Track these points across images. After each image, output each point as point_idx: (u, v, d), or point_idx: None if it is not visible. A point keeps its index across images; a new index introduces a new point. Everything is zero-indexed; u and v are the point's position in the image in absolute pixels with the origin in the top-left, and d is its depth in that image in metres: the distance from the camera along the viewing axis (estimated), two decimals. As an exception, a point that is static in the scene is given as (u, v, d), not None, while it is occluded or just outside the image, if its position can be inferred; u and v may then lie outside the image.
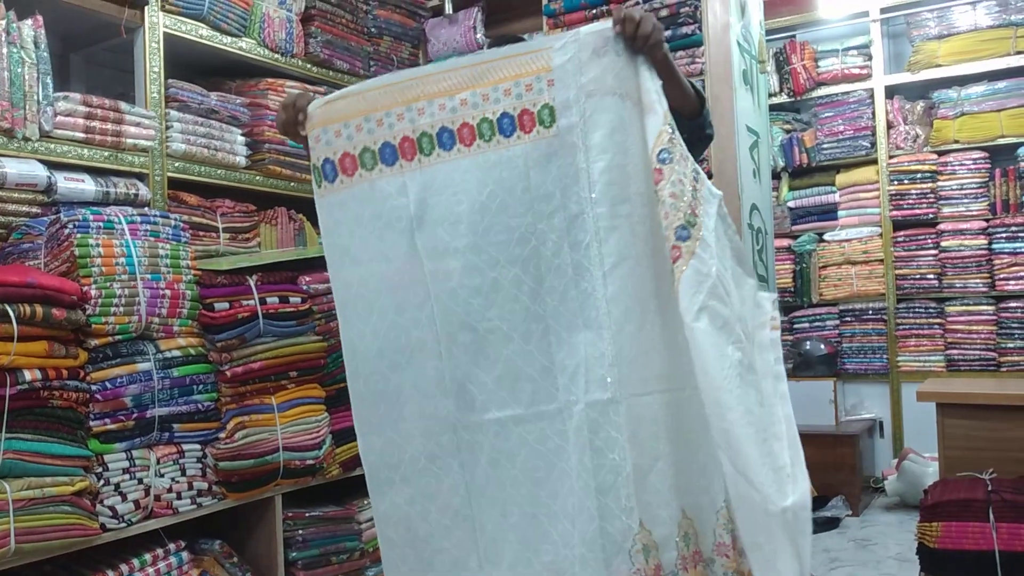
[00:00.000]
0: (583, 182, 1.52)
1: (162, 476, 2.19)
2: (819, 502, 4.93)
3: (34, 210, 2.30)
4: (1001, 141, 5.26)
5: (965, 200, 5.35)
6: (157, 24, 2.66)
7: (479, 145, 1.58)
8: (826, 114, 5.75)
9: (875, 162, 5.61)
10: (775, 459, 1.45)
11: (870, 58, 5.62)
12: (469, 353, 1.60)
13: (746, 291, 1.63)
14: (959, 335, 5.35)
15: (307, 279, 2.61)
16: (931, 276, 5.44)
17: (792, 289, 5.79)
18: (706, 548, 1.55)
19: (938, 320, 5.43)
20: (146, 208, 2.46)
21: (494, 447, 1.59)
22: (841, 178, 5.73)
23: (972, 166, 5.33)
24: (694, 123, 1.86)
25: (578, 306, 1.52)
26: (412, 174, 1.62)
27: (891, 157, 5.55)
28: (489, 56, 1.65)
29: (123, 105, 2.52)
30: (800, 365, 5.52)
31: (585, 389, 1.51)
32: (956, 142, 5.37)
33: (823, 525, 4.72)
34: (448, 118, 1.60)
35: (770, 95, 5.49)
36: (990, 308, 5.28)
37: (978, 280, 5.30)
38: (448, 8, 3.81)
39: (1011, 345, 5.19)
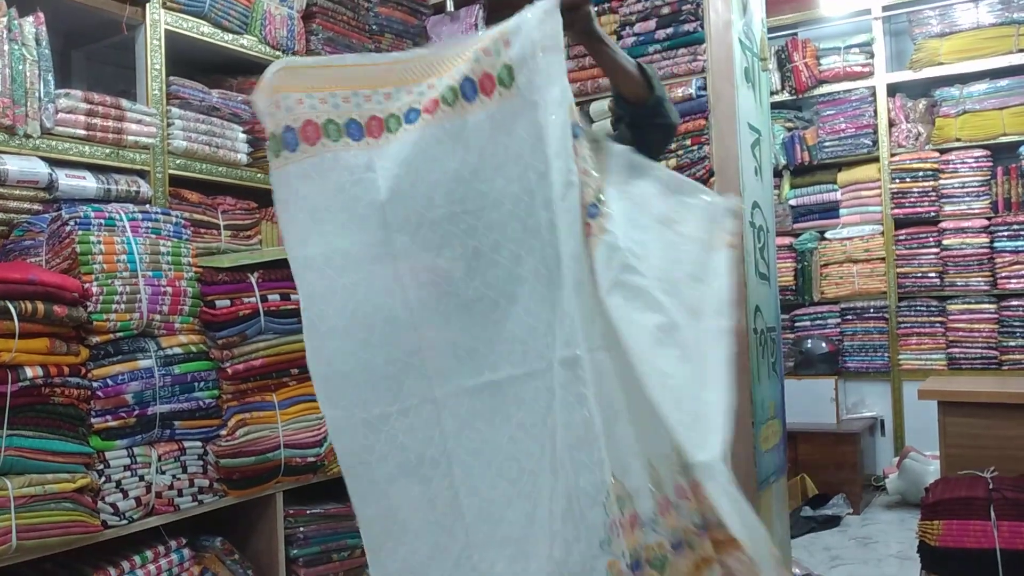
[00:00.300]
0: (546, 138, 1.50)
1: (163, 473, 2.19)
2: (820, 500, 4.94)
3: (35, 207, 2.30)
4: (1003, 139, 5.26)
5: (967, 198, 5.35)
6: (158, 21, 2.66)
7: (443, 110, 1.55)
8: (828, 112, 5.75)
9: (877, 160, 5.61)
10: (700, 409, 1.47)
11: (872, 56, 5.61)
12: (455, 322, 1.59)
13: (695, 215, 1.61)
14: (960, 333, 5.35)
15: (308, 276, 2.61)
16: (933, 274, 5.43)
17: (793, 287, 5.79)
18: (671, 494, 1.56)
19: (939, 318, 5.43)
20: (147, 205, 2.46)
21: (489, 408, 1.58)
22: (843, 176, 5.73)
23: (974, 164, 5.33)
24: (641, 110, 1.80)
25: (554, 264, 1.52)
26: (379, 150, 1.60)
27: (893, 155, 5.55)
28: (457, 45, 1.64)
29: (124, 102, 2.52)
30: (801, 363, 5.52)
31: (560, 346, 1.51)
32: (958, 140, 5.37)
33: (824, 523, 4.73)
34: (416, 100, 1.59)
35: (772, 93, 5.48)
36: (992, 306, 5.28)
37: (980, 278, 5.30)
38: (450, 5, 3.81)
39: (1013, 343, 5.19)
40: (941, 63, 5.39)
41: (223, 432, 2.33)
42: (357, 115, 1.60)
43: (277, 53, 3.06)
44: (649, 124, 1.84)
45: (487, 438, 1.59)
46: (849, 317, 5.70)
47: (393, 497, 1.66)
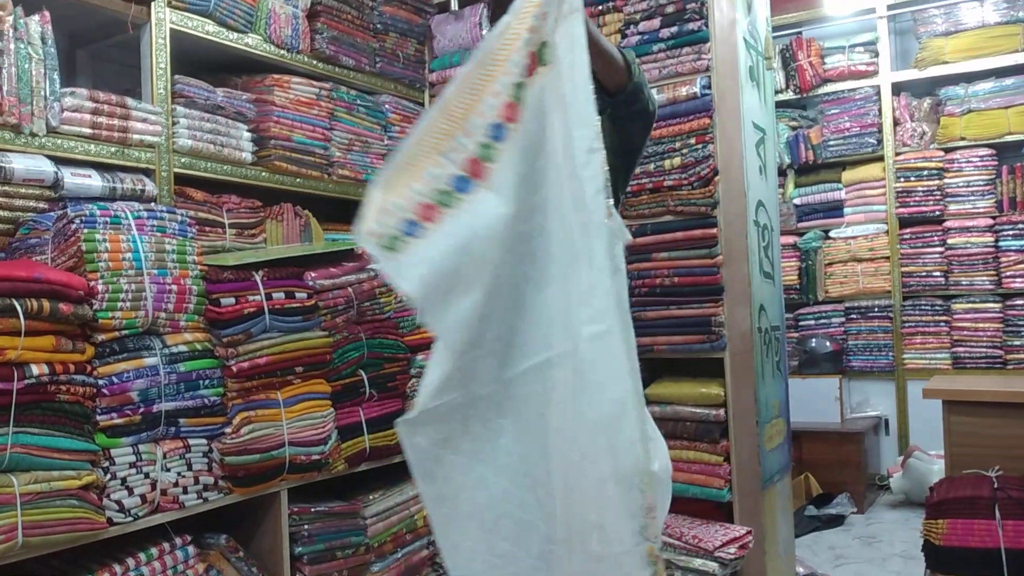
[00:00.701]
0: (568, 107, 1.47)
1: (168, 471, 2.20)
2: (824, 499, 4.93)
3: (41, 205, 2.30)
4: (1008, 138, 5.25)
5: (972, 197, 5.35)
6: (164, 20, 2.67)
7: (522, 112, 1.50)
8: (832, 111, 5.74)
9: (881, 159, 5.60)
10: (647, 420, 1.48)
11: (876, 55, 5.61)
12: (511, 309, 1.56)
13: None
14: (965, 332, 5.35)
15: (313, 275, 2.62)
16: (937, 273, 5.43)
17: (798, 286, 5.79)
18: None
19: (944, 318, 5.43)
20: (152, 204, 2.46)
21: (537, 394, 1.54)
22: (847, 175, 5.72)
23: (979, 163, 5.33)
24: (620, 97, 1.77)
25: (578, 238, 1.49)
26: (489, 186, 1.53)
27: (897, 154, 5.55)
28: (497, 33, 1.55)
29: (130, 101, 2.53)
30: (806, 362, 5.51)
31: (587, 320, 1.48)
32: (963, 139, 5.36)
33: (828, 522, 4.73)
34: (490, 115, 1.53)
35: (776, 92, 5.48)
36: (996, 306, 5.27)
37: (984, 277, 5.29)
38: (454, 4, 3.81)
39: (1017, 343, 5.18)
40: (946, 62, 5.38)
41: (228, 430, 2.33)
42: (458, 168, 1.55)
43: (282, 52, 3.07)
44: (628, 114, 1.82)
45: (542, 427, 1.55)
46: (853, 316, 5.70)
47: (471, 491, 1.61)
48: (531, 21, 1.49)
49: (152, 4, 2.62)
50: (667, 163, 2.98)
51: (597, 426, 1.45)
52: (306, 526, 2.54)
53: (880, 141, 5.60)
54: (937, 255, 5.43)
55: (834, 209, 5.78)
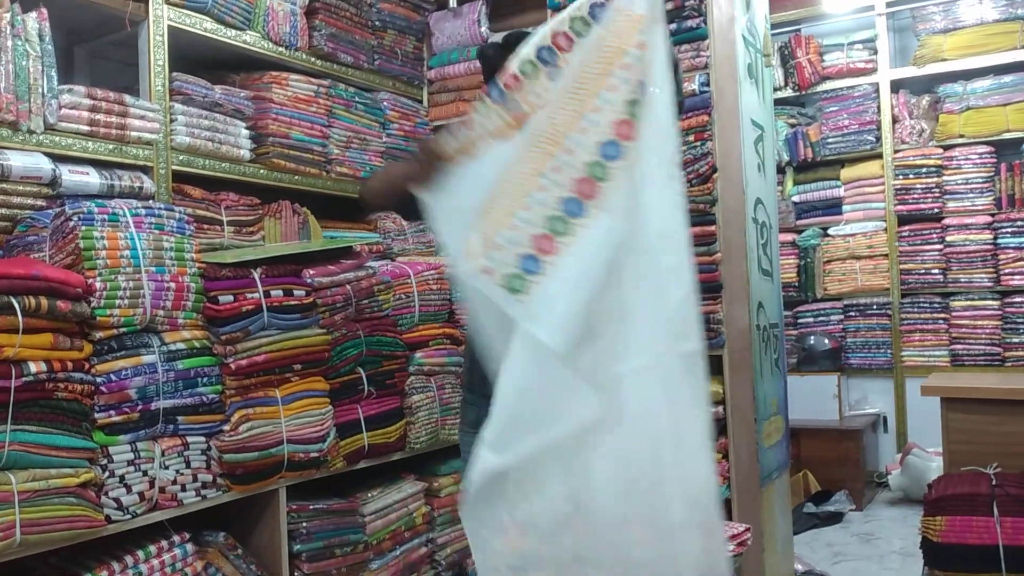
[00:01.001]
0: (658, 116, 1.43)
1: (167, 468, 2.20)
2: (823, 496, 4.94)
3: (39, 203, 2.30)
4: (1007, 135, 5.25)
5: (970, 195, 5.35)
6: (161, 17, 2.66)
7: (637, 130, 1.44)
8: (831, 108, 5.74)
9: (880, 156, 5.60)
10: None
11: (875, 52, 5.60)
12: (608, 313, 1.48)
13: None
14: (964, 330, 5.35)
15: (311, 272, 2.61)
16: (936, 271, 5.43)
17: (796, 284, 5.79)
18: None
19: (943, 315, 5.43)
20: (151, 201, 2.46)
21: (623, 399, 1.47)
22: (846, 172, 5.72)
23: (977, 160, 5.32)
24: None
25: (665, 252, 1.45)
26: (607, 206, 1.47)
27: (896, 151, 5.54)
28: (590, 46, 1.48)
29: (127, 98, 2.52)
30: (804, 360, 5.52)
31: (677, 336, 1.43)
32: (961, 136, 5.36)
33: (827, 519, 4.73)
34: (599, 132, 1.45)
35: (775, 89, 5.48)
36: (995, 303, 5.27)
37: (983, 275, 5.30)
38: (452, 1, 3.81)
39: (1016, 340, 5.18)
40: (945, 59, 5.38)
41: (226, 427, 2.33)
42: (565, 190, 1.48)
43: (280, 49, 3.06)
44: None
45: (619, 444, 1.47)
46: (852, 314, 5.70)
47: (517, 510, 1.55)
48: (638, 36, 1.43)
49: (150, 1, 2.62)
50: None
51: (699, 448, 1.41)
52: (304, 524, 2.54)
53: (879, 138, 5.60)
54: (936, 252, 5.43)
55: (833, 207, 5.78)
